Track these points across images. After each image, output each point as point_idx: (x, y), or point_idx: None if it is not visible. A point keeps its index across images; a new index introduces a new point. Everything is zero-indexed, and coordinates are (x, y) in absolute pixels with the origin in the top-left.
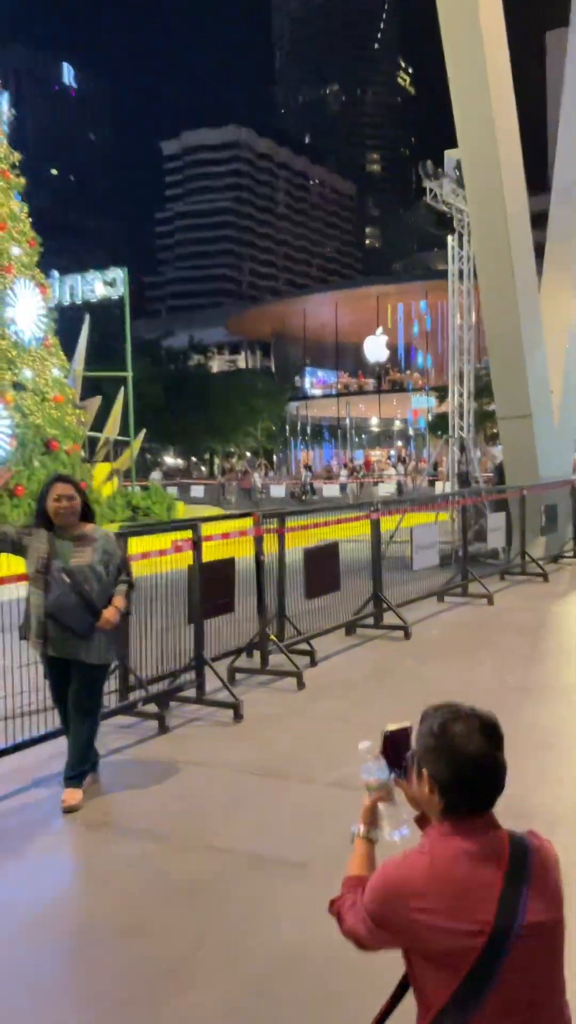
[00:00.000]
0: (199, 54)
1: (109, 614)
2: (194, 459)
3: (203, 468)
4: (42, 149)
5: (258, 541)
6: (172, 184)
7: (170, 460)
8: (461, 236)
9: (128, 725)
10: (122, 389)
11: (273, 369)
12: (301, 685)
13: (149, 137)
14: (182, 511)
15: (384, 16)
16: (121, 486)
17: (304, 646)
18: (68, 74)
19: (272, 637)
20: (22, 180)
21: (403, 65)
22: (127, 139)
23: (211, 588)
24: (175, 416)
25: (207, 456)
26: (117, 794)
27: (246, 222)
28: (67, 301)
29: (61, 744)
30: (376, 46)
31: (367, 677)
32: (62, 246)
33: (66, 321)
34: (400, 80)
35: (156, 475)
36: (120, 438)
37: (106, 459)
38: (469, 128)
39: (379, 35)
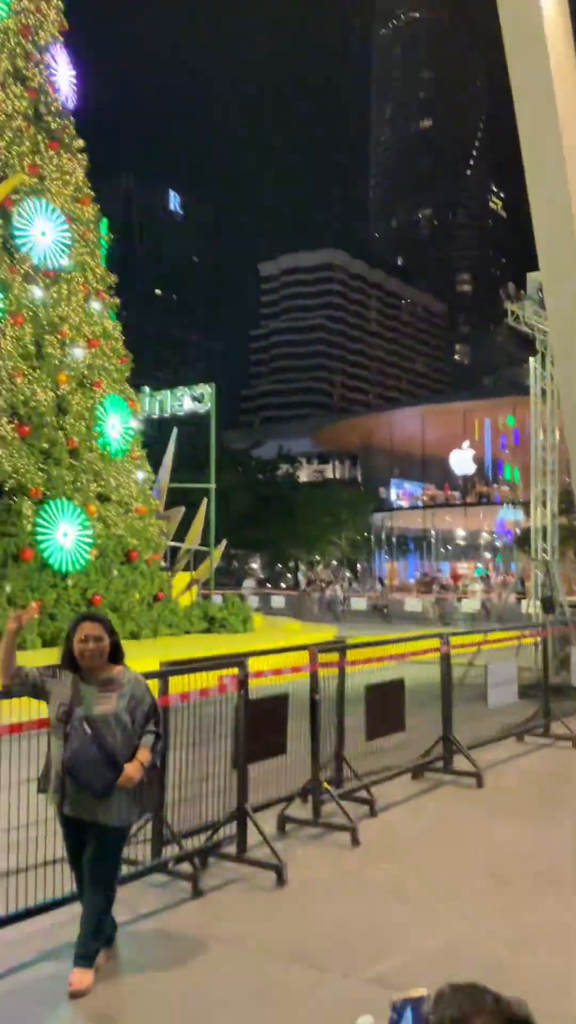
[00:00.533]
0: (297, 181)
1: (131, 770)
2: (279, 567)
3: (288, 576)
4: (148, 271)
5: (314, 678)
6: (268, 303)
7: (255, 567)
8: (544, 356)
9: (160, 884)
10: (205, 499)
11: (359, 480)
12: (356, 842)
13: (248, 258)
14: (260, 623)
15: (477, 143)
16: (200, 595)
17: (363, 793)
18: (174, 200)
19: (326, 785)
20: (116, 300)
21: (495, 189)
22: (227, 260)
23: (259, 728)
24: (261, 525)
25: (292, 564)
26: (132, 978)
27: (338, 338)
28: (156, 414)
29: (76, 910)
30: (468, 172)
31: (431, 835)
32: (163, 361)
33: (157, 432)
34: (492, 203)
35: (249, 583)
36: (201, 548)
37: (186, 568)
38: (549, 251)
39: (471, 160)
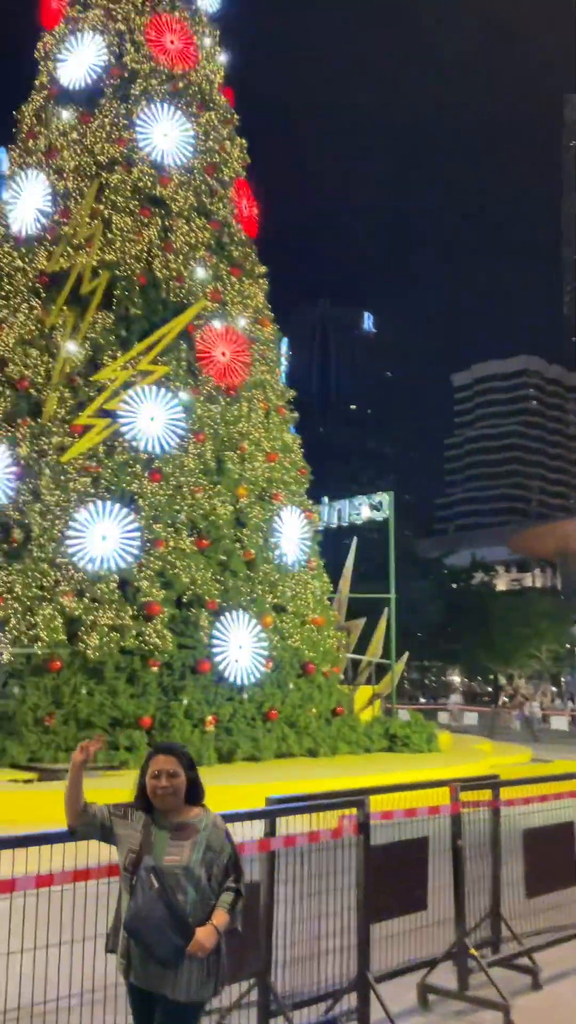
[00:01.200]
0: (489, 290)
1: (204, 936)
2: (467, 680)
3: (486, 690)
4: (345, 388)
5: (456, 822)
6: (462, 412)
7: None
8: None
9: None
10: (385, 610)
11: (559, 588)
12: None
13: (441, 369)
14: (447, 742)
15: None
16: (384, 710)
17: (524, 959)
18: (367, 321)
19: (473, 951)
20: (295, 415)
21: None
22: (420, 373)
23: (390, 879)
24: (455, 636)
25: (490, 678)
26: None
27: (535, 444)
28: (335, 524)
29: None
30: None
31: None
32: (358, 472)
33: (337, 542)
34: None
35: (455, 698)
36: (383, 661)
37: (368, 682)
38: None
39: None
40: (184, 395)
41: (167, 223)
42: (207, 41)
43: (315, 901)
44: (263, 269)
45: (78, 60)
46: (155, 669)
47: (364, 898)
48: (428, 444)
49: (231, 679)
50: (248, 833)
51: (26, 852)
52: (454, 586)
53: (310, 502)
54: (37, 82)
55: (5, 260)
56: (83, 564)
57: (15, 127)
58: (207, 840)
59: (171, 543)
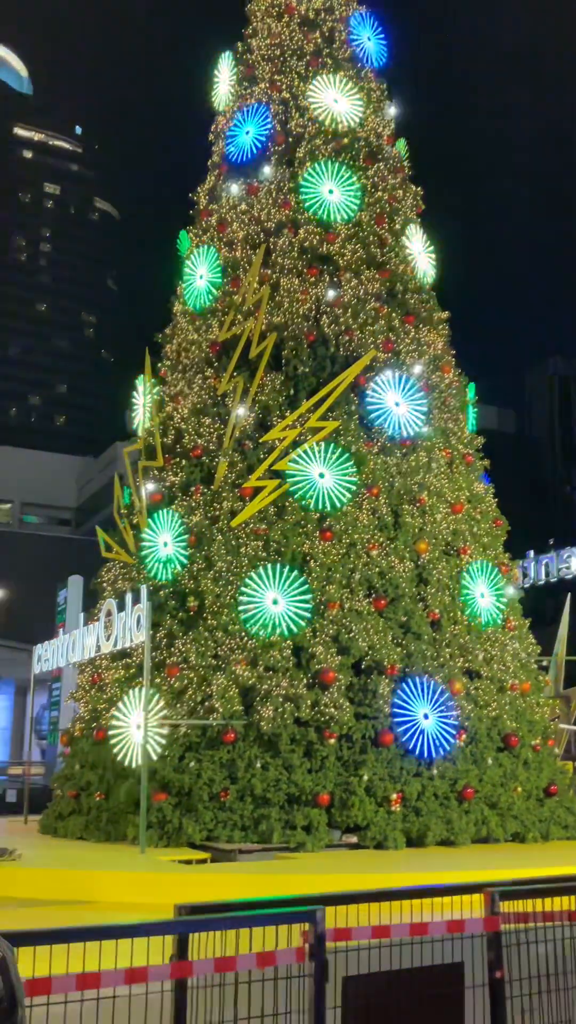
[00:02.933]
0: None
1: None
2: None
3: None
4: None
5: (494, 943)
6: None
7: None
8: None
9: None
10: None
11: None
12: None
13: None
14: None
15: None
16: None
17: None
18: None
19: None
20: (486, 463)
21: None
22: None
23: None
24: None
25: None
26: None
27: None
28: (542, 580)
29: None
30: None
31: None
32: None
33: (550, 600)
34: None
35: None
36: None
37: None
38: None
39: None
40: (356, 449)
41: (335, 278)
42: (373, 95)
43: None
44: (443, 315)
45: (245, 133)
46: (332, 741)
47: None
48: None
49: (418, 752)
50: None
51: None
52: None
53: (507, 555)
54: (210, 163)
55: (181, 335)
56: (255, 631)
57: (192, 209)
58: None
59: (346, 605)
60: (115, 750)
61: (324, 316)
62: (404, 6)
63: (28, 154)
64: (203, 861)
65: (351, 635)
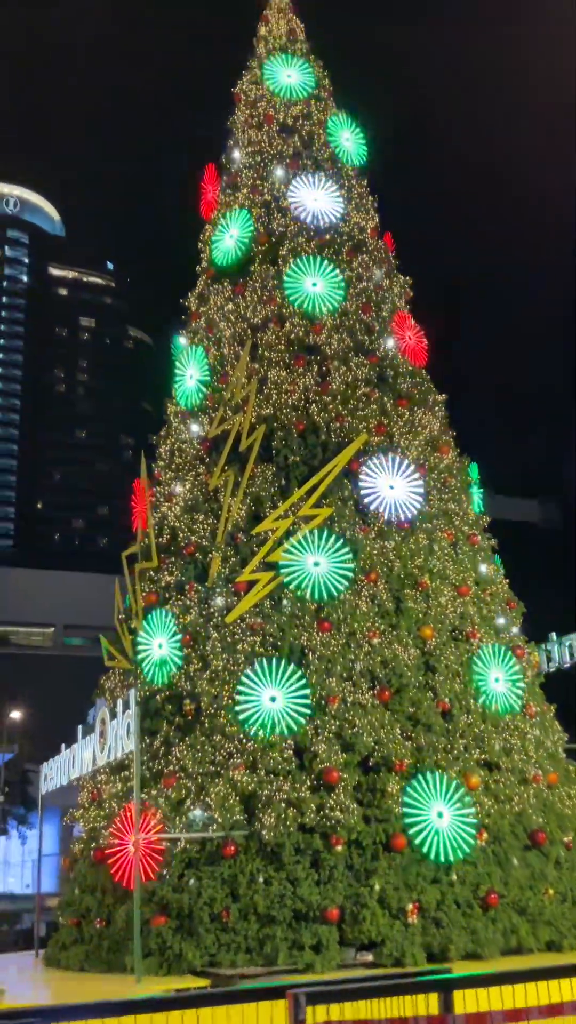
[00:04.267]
0: None
1: None
2: None
3: None
4: None
5: None
6: None
7: None
8: None
9: None
10: None
11: None
12: None
13: None
14: None
15: None
16: None
17: None
18: None
19: None
20: (493, 542)
21: None
22: None
23: None
24: None
25: None
26: None
27: None
28: (567, 663)
29: None
30: None
31: None
32: None
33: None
34: None
35: None
36: None
37: None
38: None
39: None
40: (351, 535)
41: (323, 367)
42: (355, 191)
43: None
44: (440, 398)
45: (229, 237)
46: (340, 848)
47: None
48: None
49: (434, 856)
50: None
51: None
52: None
53: (523, 638)
54: (198, 268)
55: (174, 436)
56: (254, 731)
57: (184, 315)
58: None
59: (348, 698)
60: (112, 870)
61: (313, 404)
62: (388, 106)
63: (63, 291)
64: (202, 989)
65: (355, 730)
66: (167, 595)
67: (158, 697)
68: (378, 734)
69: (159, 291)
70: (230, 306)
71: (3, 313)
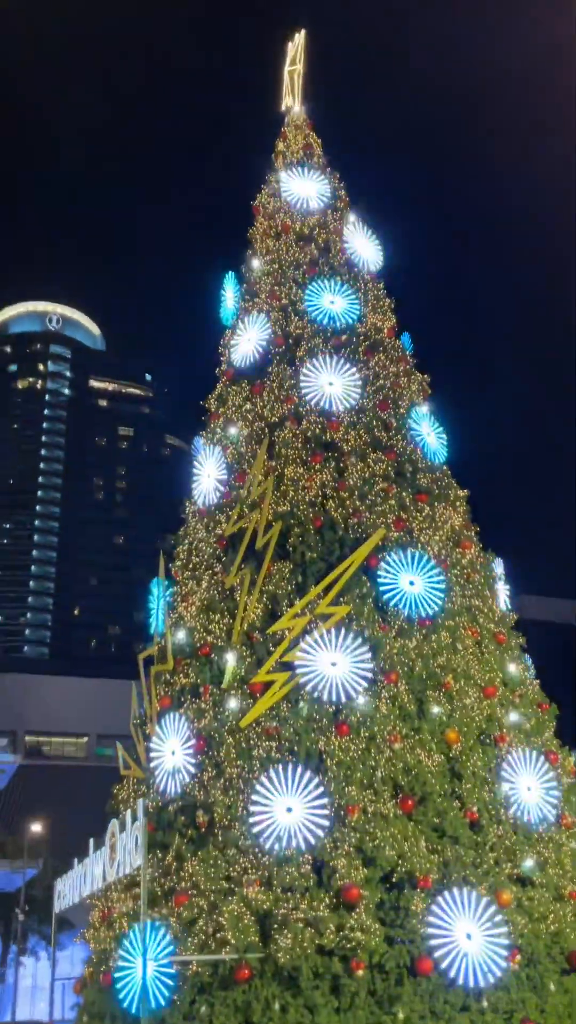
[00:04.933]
0: None
1: None
2: None
3: None
4: None
5: None
6: None
7: None
8: None
9: None
10: None
11: None
12: None
13: None
14: None
15: None
16: None
17: None
18: None
19: None
20: (521, 639)
21: None
22: None
23: None
24: None
25: None
26: None
27: None
28: None
29: None
30: None
31: None
32: None
33: None
34: None
35: None
36: None
37: None
38: None
39: None
40: (370, 633)
41: (340, 464)
42: (371, 294)
43: None
44: (462, 493)
45: (247, 340)
46: (361, 973)
47: None
48: None
49: (463, 981)
50: None
51: None
52: None
53: (556, 742)
54: (218, 371)
55: (192, 535)
56: (269, 845)
57: (204, 416)
58: None
59: (369, 808)
60: (121, 995)
61: (330, 500)
62: (405, 210)
63: (103, 403)
64: None
65: (376, 843)
66: (182, 698)
67: (170, 808)
68: (401, 847)
69: (195, 399)
70: (247, 406)
71: (45, 424)
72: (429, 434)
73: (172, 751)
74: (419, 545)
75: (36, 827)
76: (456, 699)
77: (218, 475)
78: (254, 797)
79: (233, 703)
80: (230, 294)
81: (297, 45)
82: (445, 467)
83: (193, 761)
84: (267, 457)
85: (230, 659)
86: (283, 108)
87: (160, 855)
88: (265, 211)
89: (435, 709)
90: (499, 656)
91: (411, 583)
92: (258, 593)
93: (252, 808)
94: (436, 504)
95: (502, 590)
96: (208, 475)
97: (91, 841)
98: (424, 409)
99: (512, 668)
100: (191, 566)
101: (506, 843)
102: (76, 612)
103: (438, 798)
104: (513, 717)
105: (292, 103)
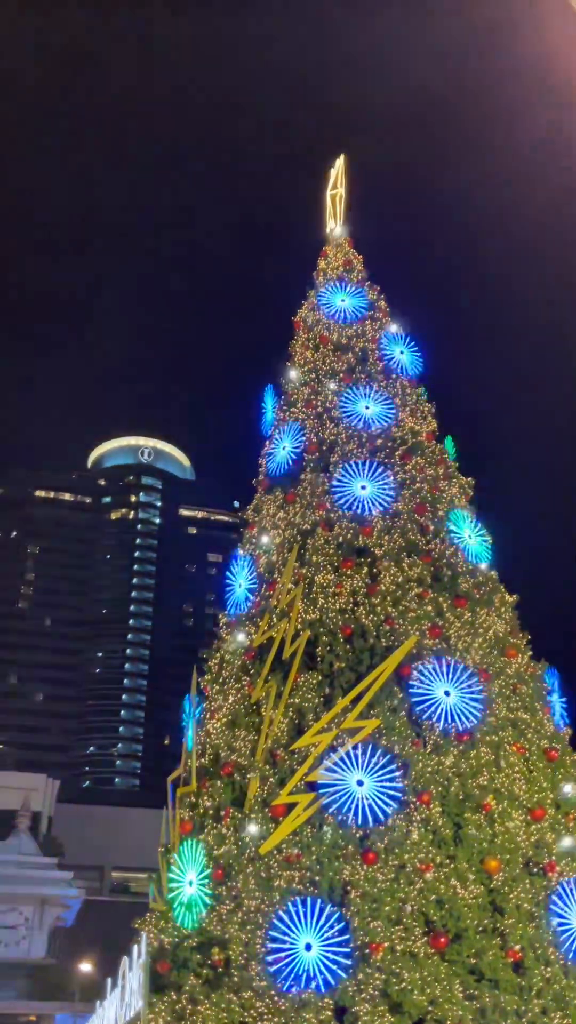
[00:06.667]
0: None
1: None
2: None
3: None
4: None
5: None
6: None
7: None
8: None
9: None
10: None
11: None
12: None
13: None
14: None
15: None
16: None
17: None
18: None
19: None
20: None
21: None
22: None
23: None
24: None
25: None
26: None
27: None
28: None
29: None
30: None
31: None
32: None
33: None
34: None
35: None
36: None
37: None
38: None
39: None
40: (401, 749)
41: (374, 569)
42: (409, 399)
43: None
44: (509, 598)
45: (283, 449)
46: None
47: None
48: None
49: None
50: None
51: None
52: None
53: None
54: (254, 481)
55: (223, 647)
56: (286, 986)
57: (241, 529)
58: None
59: (397, 946)
60: None
61: (361, 607)
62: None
63: (193, 530)
64: None
65: (404, 986)
66: (203, 822)
67: (185, 944)
68: (432, 991)
69: None
70: (280, 514)
71: (136, 553)
72: (471, 537)
73: (190, 881)
74: (456, 653)
75: (86, 966)
76: (498, 822)
77: (249, 585)
78: (272, 933)
79: (253, 828)
80: (269, 406)
81: (338, 169)
82: (492, 571)
83: (210, 892)
84: (298, 564)
85: (252, 779)
86: (327, 231)
87: (175, 996)
88: (305, 325)
89: (473, 834)
90: (550, 775)
91: (446, 693)
92: (283, 707)
93: (270, 945)
94: (477, 609)
95: (557, 703)
96: (240, 585)
97: (108, 981)
98: (466, 511)
99: (568, 788)
100: (221, 679)
101: (555, 987)
102: (166, 741)
103: (475, 935)
104: (567, 843)
105: (335, 225)
